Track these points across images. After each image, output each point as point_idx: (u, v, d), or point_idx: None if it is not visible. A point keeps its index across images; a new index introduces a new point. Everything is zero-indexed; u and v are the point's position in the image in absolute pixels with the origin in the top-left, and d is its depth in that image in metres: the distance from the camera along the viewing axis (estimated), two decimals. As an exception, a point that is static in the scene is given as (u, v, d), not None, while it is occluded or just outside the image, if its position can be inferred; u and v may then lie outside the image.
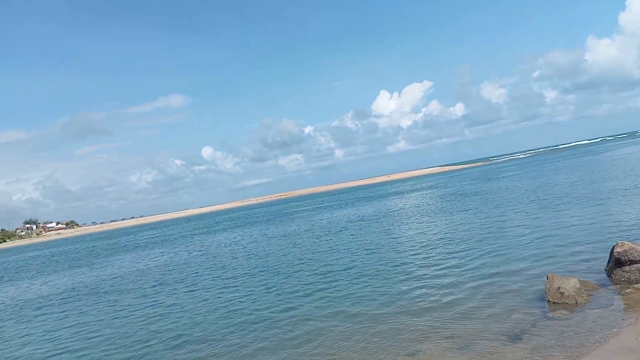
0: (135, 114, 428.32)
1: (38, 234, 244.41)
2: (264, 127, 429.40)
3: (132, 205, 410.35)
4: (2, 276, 47.13)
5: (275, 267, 22.89)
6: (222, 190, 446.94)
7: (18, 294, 30.20)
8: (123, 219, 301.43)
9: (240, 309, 15.69)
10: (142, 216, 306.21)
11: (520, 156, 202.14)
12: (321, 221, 46.24)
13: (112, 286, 25.98)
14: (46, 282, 34.25)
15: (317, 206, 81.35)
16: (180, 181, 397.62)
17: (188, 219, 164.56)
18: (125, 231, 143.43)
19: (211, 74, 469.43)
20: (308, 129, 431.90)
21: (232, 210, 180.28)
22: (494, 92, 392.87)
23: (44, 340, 16.25)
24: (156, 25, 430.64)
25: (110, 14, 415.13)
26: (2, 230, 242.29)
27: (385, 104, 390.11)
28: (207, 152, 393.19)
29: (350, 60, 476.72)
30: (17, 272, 48.69)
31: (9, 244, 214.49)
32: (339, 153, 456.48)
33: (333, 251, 25.11)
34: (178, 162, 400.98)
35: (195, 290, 20.39)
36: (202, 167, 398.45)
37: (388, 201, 60.16)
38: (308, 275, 19.53)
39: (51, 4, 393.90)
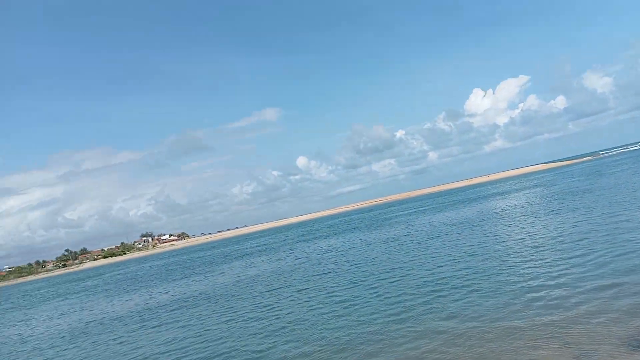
0: (234, 129, 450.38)
1: (154, 246, 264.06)
2: (356, 134, 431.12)
3: (234, 216, 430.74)
4: (127, 286, 51.81)
5: (378, 273, 23.25)
6: (318, 199, 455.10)
7: (143, 301, 33.14)
8: (228, 229, 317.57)
9: (350, 313, 16.24)
10: (245, 226, 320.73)
11: (633, 148, 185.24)
12: (421, 225, 45.86)
13: (227, 292, 27.73)
14: (166, 290, 37.24)
15: (414, 210, 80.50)
16: (278, 191, 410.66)
17: (287, 227, 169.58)
18: (231, 241, 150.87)
19: (302, 86, 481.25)
20: (399, 133, 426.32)
21: (328, 217, 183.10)
22: (598, 82, 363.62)
23: (170, 342, 17.84)
24: (247, 45, 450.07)
25: (207, 38, 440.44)
26: (122, 243, 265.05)
27: (479, 102, 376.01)
28: (301, 161, 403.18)
29: (439, 61, 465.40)
30: (139, 282, 53.36)
31: (128, 256, 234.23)
32: (432, 155, 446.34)
33: (436, 256, 24.98)
34: (275, 173, 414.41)
35: (304, 295, 21.29)
36: (297, 177, 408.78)
37: (489, 202, 58.16)
38: (414, 280, 19.68)
39: (153, 33, 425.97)
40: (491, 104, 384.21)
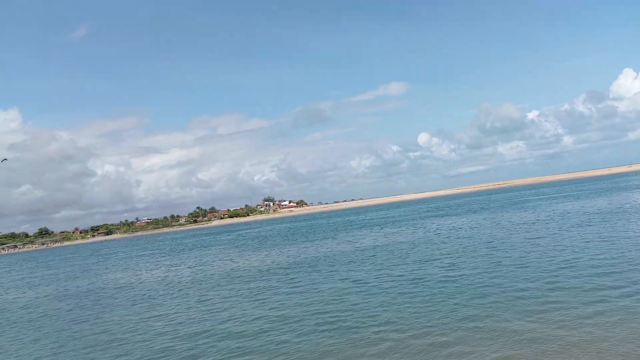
0: (359, 102, 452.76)
1: (274, 210, 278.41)
2: (483, 112, 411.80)
3: (350, 188, 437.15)
4: (255, 244, 56.18)
5: (510, 256, 23.19)
6: (436, 177, 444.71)
7: (263, 259, 36.04)
8: (344, 201, 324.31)
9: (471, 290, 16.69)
10: (360, 199, 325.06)
11: None
12: (555, 212, 43.83)
13: (357, 257, 29.30)
14: (286, 251, 40.04)
15: (545, 197, 76.46)
16: (396, 167, 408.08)
17: (404, 203, 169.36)
18: (350, 211, 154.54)
19: (430, 60, 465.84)
20: (532, 114, 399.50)
21: (448, 197, 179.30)
22: None
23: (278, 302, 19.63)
24: (377, 15, 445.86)
25: (340, 10, 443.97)
26: (246, 205, 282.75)
27: (629, 84, 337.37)
28: (423, 138, 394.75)
29: (585, 36, 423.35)
30: (263, 241, 57.67)
31: (251, 218, 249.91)
32: (567, 140, 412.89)
33: (575, 247, 24.18)
34: (395, 147, 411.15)
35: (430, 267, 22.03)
36: (417, 154, 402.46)
37: (629, 194, 53.62)
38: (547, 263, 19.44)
39: (285, 7, 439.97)
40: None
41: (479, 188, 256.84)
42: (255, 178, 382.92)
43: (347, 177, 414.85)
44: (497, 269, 19.79)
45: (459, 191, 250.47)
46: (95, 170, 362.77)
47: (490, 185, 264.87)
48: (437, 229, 43.33)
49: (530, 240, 26.99)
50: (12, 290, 39.24)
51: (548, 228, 31.91)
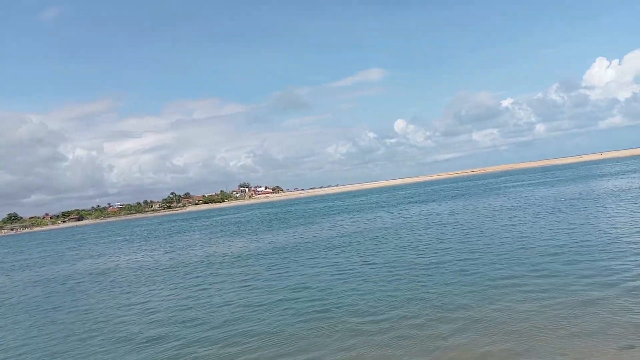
0: (337, 89, 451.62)
1: (250, 196, 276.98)
2: (459, 100, 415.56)
3: (326, 174, 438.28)
4: (233, 230, 55.59)
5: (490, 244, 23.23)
6: (412, 164, 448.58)
7: (241, 245, 35.62)
8: (320, 187, 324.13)
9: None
10: (337, 185, 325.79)
11: None
12: (531, 198, 44.35)
13: (332, 242, 29.07)
14: (263, 238, 39.68)
15: (520, 183, 77.55)
16: (372, 154, 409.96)
17: (380, 190, 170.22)
18: (326, 198, 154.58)
19: (410, 47, 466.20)
20: (506, 102, 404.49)
21: (423, 184, 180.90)
22: None
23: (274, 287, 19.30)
24: (358, 1, 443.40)
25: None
26: (221, 191, 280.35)
27: (602, 73, 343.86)
28: (399, 125, 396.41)
29: (561, 26, 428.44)
30: (241, 227, 57.10)
31: (226, 204, 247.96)
32: (540, 128, 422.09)
33: (555, 230, 24.37)
34: (371, 134, 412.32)
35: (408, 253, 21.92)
36: (393, 140, 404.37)
37: (602, 182, 54.68)
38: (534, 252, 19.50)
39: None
40: (615, 76, 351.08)
41: (453, 175, 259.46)
42: (231, 164, 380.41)
43: (324, 163, 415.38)
44: (483, 256, 19.69)
45: (434, 178, 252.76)
46: (67, 155, 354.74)
47: (464, 172, 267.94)
48: (416, 215, 43.36)
49: (512, 227, 27.08)
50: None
51: (526, 214, 32.15)
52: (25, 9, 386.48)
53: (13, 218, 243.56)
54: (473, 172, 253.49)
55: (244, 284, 19.72)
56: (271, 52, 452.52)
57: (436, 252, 21.54)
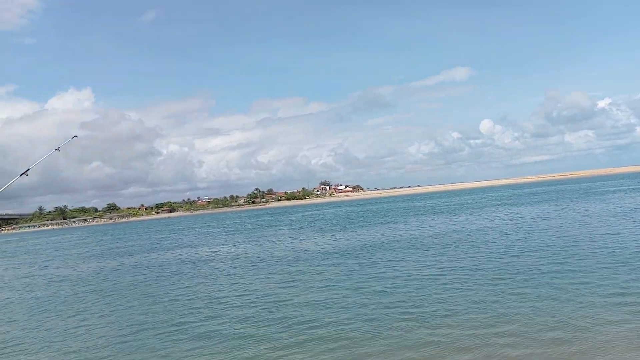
0: (420, 88, 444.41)
1: (330, 194, 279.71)
2: (550, 100, 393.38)
3: (408, 174, 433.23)
4: (323, 226, 56.64)
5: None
6: (498, 166, 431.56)
7: (334, 241, 36.15)
8: (401, 187, 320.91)
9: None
10: (418, 186, 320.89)
11: None
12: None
13: (430, 241, 28.89)
14: (355, 235, 40.05)
15: (621, 189, 72.45)
16: (456, 154, 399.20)
17: (465, 191, 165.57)
18: (410, 198, 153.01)
19: (497, 45, 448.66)
20: (603, 103, 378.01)
21: (511, 186, 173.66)
22: None
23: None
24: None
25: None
26: (303, 188, 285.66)
27: None
28: (485, 125, 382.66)
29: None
30: (330, 223, 58.00)
31: (307, 201, 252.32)
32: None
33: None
34: (455, 134, 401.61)
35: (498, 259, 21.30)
36: (478, 141, 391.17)
37: None
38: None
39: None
40: None
41: (544, 178, 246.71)
42: (313, 162, 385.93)
43: (405, 163, 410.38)
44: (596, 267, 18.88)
45: (523, 181, 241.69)
46: (161, 150, 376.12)
47: (556, 176, 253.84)
48: (508, 218, 41.94)
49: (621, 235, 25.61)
50: (93, 259, 41.48)
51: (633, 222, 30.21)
52: (126, 12, 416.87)
53: (112, 208, 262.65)
54: (566, 176, 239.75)
55: (332, 282, 19.89)
56: (355, 51, 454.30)
57: (529, 258, 20.91)
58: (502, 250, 23.62)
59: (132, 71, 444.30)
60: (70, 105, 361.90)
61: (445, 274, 18.96)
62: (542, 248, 22.88)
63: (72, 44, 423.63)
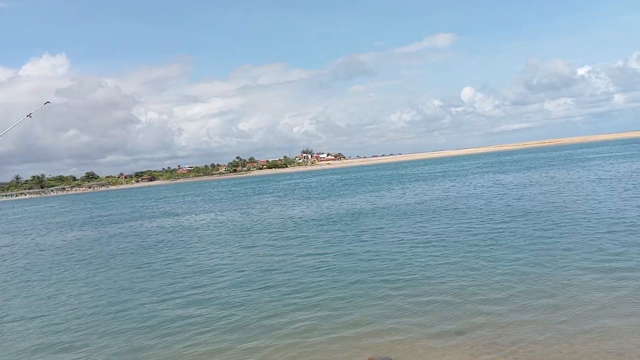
0: (402, 54, 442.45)
1: (312, 163, 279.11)
2: (530, 68, 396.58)
3: (389, 142, 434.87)
4: (308, 194, 56.53)
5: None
6: (479, 134, 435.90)
7: (322, 208, 36.12)
8: (383, 155, 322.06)
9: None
10: (399, 154, 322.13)
11: None
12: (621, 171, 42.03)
13: (427, 207, 28.97)
14: (343, 202, 40.04)
15: (601, 156, 73.52)
16: (437, 122, 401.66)
17: (447, 159, 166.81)
18: (393, 165, 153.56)
19: (481, 11, 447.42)
20: (582, 71, 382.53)
21: (492, 154, 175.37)
22: None
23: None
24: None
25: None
26: (284, 157, 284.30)
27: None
28: (466, 93, 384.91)
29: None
30: (316, 191, 57.97)
31: (289, 169, 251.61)
32: (619, 98, 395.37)
33: None
34: (436, 102, 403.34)
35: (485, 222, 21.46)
36: (459, 109, 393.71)
37: None
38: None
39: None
40: None
41: (524, 146, 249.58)
42: (294, 130, 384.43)
43: (387, 131, 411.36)
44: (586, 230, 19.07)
45: (503, 148, 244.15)
46: (139, 118, 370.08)
47: (536, 144, 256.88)
48: (491, 185, 42.25)
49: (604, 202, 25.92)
50: (75, 228, 40.85)
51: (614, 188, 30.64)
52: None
53: (91, 177, 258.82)
54: (545, 144, 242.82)
55: (319, 249, 19.89)
56: (337, 17, 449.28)
57: (513, 224, 21.06)
58: (486, 217, 23.69)
59: (109, 35, 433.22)
60: (45, 72, 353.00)
61: (430, 241, 18.97)
62: (526, 215, 22.98)
63: (45, 8, 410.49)
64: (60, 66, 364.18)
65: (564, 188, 32.94)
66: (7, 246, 32.15)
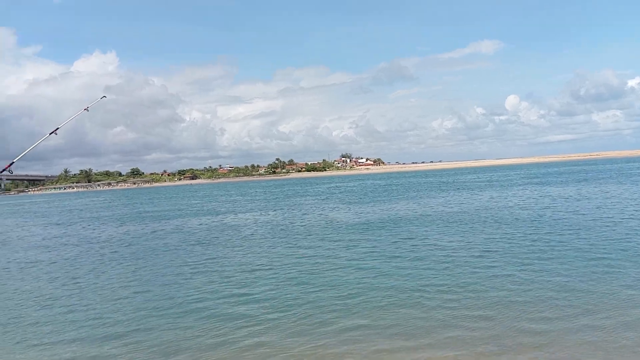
0: (445, 60, 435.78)
1: (351, 167, 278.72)
2: (578, 77, 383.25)
3: (429, 150, 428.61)
4: (351, 198, 56.37)
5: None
6: (522, 144, 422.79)
7: (369, 213, 35.87)
8: (422, 162, 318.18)
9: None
10: (440, 161, 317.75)
11: None
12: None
13: (471, 216, 28.40)
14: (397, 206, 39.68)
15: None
16: (479, 130, 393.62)
17: (490, 168, 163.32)
18: (434, 173, 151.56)
19: (528, 19, 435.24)
20: (633, 82, 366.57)
21: (538, 165, 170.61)
22: None
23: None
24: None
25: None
26: (323, 160, 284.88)
27: None
28: (511, 101, 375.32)
29: None
30: (360, 196, 57.71)
31: (327, 173, 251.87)
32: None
33: None
34: (479, 110, 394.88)
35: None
36: (502, 118, 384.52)
37: None
38: None
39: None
40: None
41: (569, 158, 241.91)
42: (334, 133, 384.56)
43: (427, 138, 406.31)
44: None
45: (548, 160, 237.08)
46: (184, 117, 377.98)
47: (582, 156, 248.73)
48: (542, 197, 41.03)
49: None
50: (122, 222, 41.96)
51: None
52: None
53: (135, 173, 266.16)
54: (592, 156, 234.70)
55: (363, 255, 19.70)
56: (381, 21, 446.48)
57: (565, 239, 20.31)
58: (533, 229, 22.91)
59: (157, 35, 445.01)
60: (95, 68, 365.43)
61: (475, 250, 18.49)
62: (576, 229, 22.06)
63: (98, 5, 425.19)
64: (110, 63, 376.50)
65: (617, 203, 31.65)
66: (58, 237, 33.32)
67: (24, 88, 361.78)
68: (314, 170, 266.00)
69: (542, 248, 18.23)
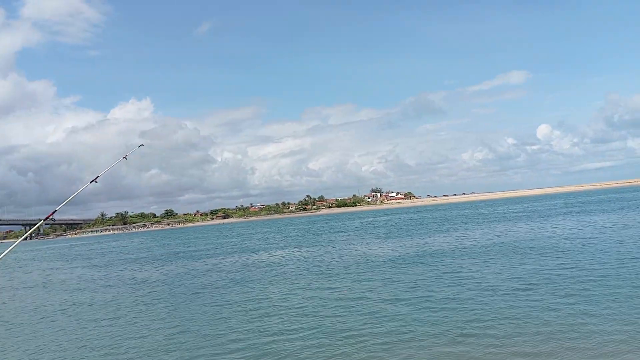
0: (474, 93, 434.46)
1: (381, 202, 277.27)
2: (610, 104, 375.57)
3: (461, 181, 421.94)
4: (385, 233, 55.79)
5: None
6: (556, 173, 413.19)
7: (402, 247, 35.29)
8: (454, 194, 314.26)
9: None
10: (472, 193, 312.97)
11: None
12: None
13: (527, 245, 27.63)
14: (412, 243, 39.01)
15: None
16: (511, 160, 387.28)
17: (524, 199, 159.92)
18: (467, 205, 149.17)
19: (555, 48, 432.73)
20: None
21: (574, 194, 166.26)
22: None
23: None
24: (503, 2, 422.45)
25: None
26: (353, 195, 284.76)
27: None
28: (542, 130, 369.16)
29: None
30: (393, 230, 57.07)
31: (358, 208, 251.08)
32: None
33: None
34: (510, 140, 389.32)
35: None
36: (535, 147, 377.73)
37: None
38: None
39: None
40: None
41: (607, 185, 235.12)
42: (363, 168, 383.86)
43: (458, 170, 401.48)
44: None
45: (584, 188, 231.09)
46: (215, 158, 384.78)
47: (620, 183, 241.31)
48: (585, 227, 39.74)
49: None
50: (157, 263, 42.39)
51: None
52: (183, 24, 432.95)
53: (169, 214, 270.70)
54: (631, 183, 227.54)
55: (402, 290, 19.42)
56: (407, 56, 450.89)
57: (613, 271, 19.44)
58: (579, 262, 21.92)
59: (189, 81, 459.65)
60: (131, 115, 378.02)
61: (517, 285, 17.80)
62: (627, 261, 21.04)
63: (132, 56, 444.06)
64: (145, 110, 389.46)
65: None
66: (97, 279, 33.84)
67: (63, 136, 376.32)
68: (344, 206, 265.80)
69: (590, 285, 17.44)
